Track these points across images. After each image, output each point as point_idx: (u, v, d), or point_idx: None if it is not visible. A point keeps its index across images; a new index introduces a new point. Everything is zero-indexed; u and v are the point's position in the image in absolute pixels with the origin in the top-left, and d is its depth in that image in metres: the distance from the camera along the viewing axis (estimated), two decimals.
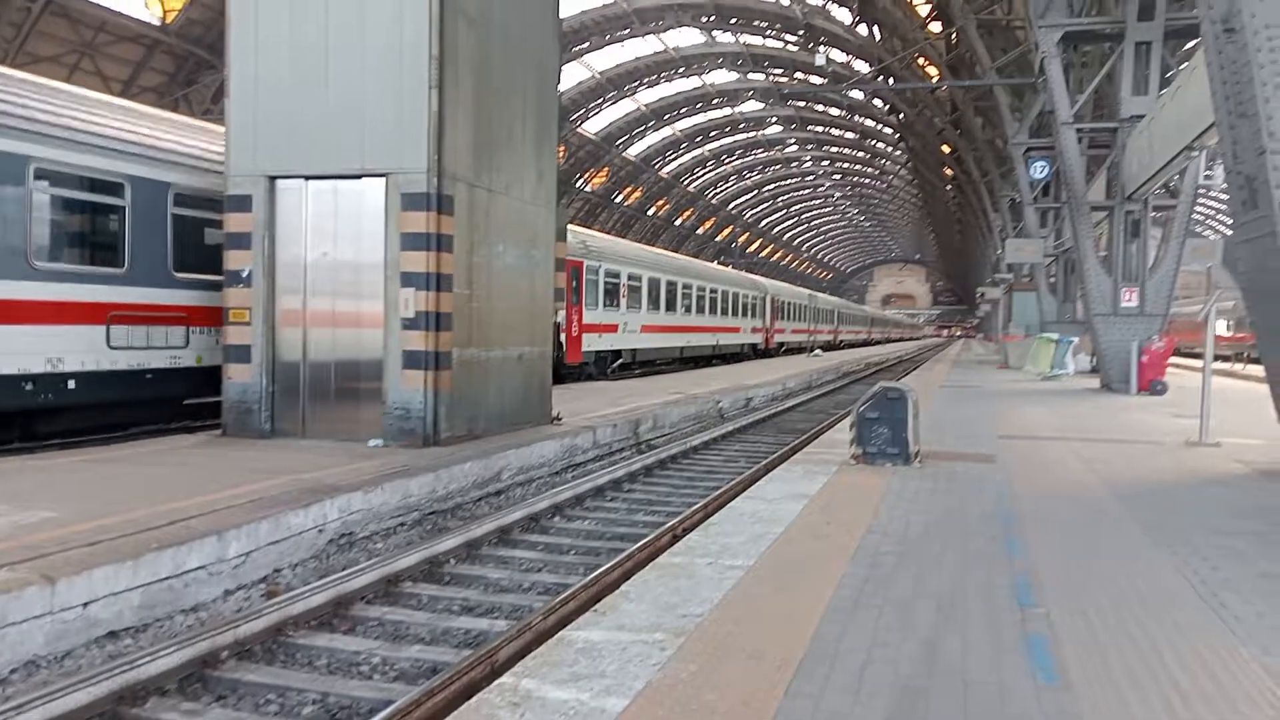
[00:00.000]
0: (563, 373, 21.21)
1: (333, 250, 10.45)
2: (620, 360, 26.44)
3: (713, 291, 34.92)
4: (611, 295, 25.40)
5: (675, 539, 7.17)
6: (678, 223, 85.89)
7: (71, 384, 10.34)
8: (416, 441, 10.03)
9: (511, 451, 10.17)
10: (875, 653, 3.87)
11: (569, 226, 25.57)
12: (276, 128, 10.39)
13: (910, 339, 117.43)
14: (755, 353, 41.57)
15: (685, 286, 31.68)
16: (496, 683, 3.54)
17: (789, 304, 48.58)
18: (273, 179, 10.51)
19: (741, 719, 3.20)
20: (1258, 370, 32.42)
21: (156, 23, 35.16)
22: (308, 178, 10.44)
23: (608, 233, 51.09)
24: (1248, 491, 7.92)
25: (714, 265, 43.64)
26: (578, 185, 65.29)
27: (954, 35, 34.23)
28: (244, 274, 10.56)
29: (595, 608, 4.44)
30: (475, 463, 9.41)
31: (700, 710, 3.26)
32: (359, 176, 10.24)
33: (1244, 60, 8.12)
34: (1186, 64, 16.06)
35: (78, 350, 10.39)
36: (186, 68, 37.31)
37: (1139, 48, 18.72)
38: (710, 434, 14.58)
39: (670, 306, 30.06)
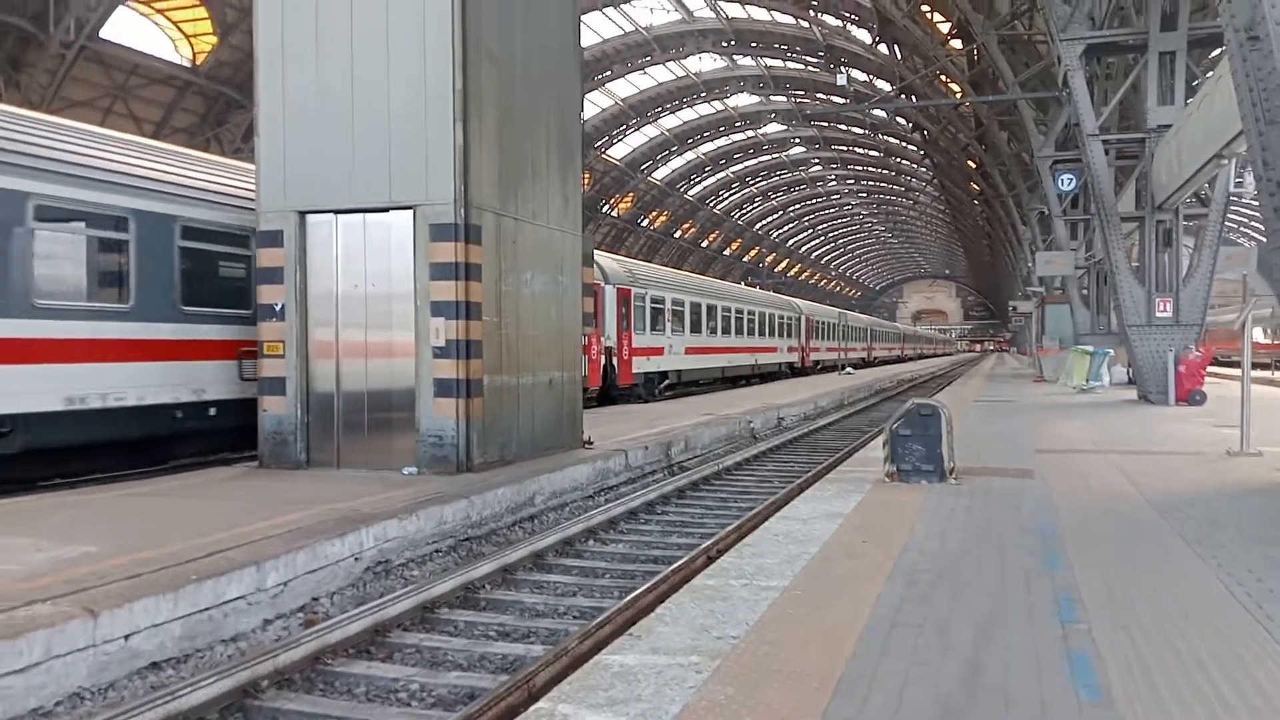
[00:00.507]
0: (614, 394, 22.99)
1: (363, 282, 10.57)
2: (667, 381, 27.54)
3: (750, 314, 36.04)
4: (657, 320, 26.55)
5: (709, 561, 7.16)
6: (704, 245, 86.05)
7: (212, 411, 11.72)
8: (450, 468, 10.08)
9: (544, 476, 10.20)
10: (914, 672, 3.84)
11: (616, 256, 28.55)
12: (305, 164, 10.56)
13: (943, 354, 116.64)
14: (792, 371, 42.43)
15: (725, 309, 32.88)
16: (534, 708, 3.55)
17: (823, 323, 49.71)
18: (303, 214, 10.66)
19: None
20: None
21: (187, 64, 35.93)
22: (337, 212, 10.58)
23: (634, 257, 51.60)
24: None
25: (751, 289, 45.03)
26: (604, 210, 65.63)
27: (975, 52, 34.18)
28: (277, 308, 10.70)
29: (630, 631, 4.43)
30: (508, 488, 9.44)
31: None
32: (387, 209, 10.37)
33: (1270, 67, 8.06)
34: (1212, 72, 15.96)
35: (219, 381, 11.77)
36: (217, 108, 38.05)
37: (1163, 58, 18.63)
38: (743, 454, 14.54)
39: (711, 329, 31.35)
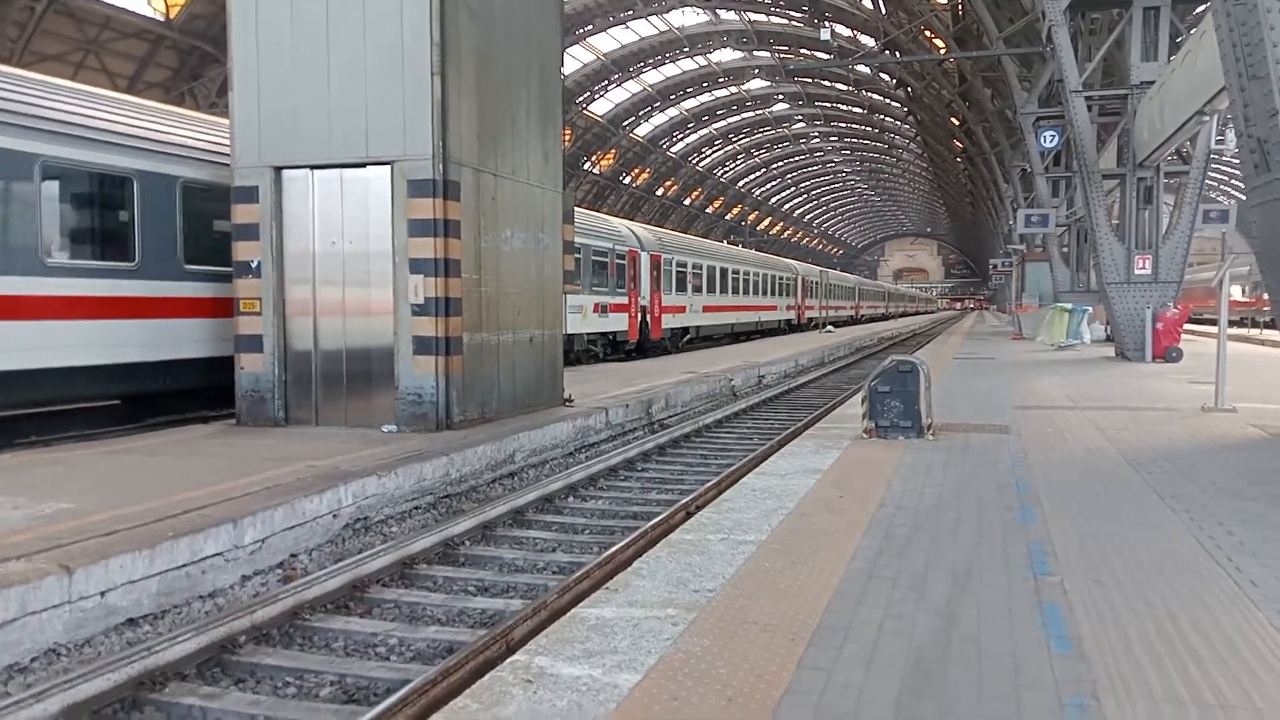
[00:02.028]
0: (646, 347, 26.40)
1: (340, 239, 10.46)
2: (688, 336, 30.77)
3: (756, 275, 39.59)
4: (682, 282, 29.87)
5: (688, 516, 7.19)
6: (686, 202, 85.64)
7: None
8: (429, 426, 10.06)
9: (524, 434, 10.20)
10: (888, 624, 3.87)
11: (647, 226, 32.73)
12: (280, 119, 10.40)
13: (924, 312, 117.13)
14: (789, 327, 45.53)
15: (734, 272, 36.26)
16: (509, 660, 3.56)
17: (816, 283, 52.83)
18: (278, 170, 10.51)
19: (754, 692, 3.21)
20: (1274, 335, 32.22)
21: (160, 18, 35.20)
22: (313, 167, 10.44)
23: (616, 214, 51.88)
24: (1264, 456, 7.87)
25: (756, 253, 47.60)
26: (585, 167, 65.14)
27: (960, 6, 33.93)
28: (253, 264, 10.59)
29: (608, 585, 4.45)
30: (488, 445, 9.44)
31: (712, 683, 3.27)
32: (364, 165, 10.24)
33: (1254, 22, 8.03)
34: (1196, 28, 15.89)
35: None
36: (191, 62, 37.37)
37: (1147, 13, 18.54)
38: (723, 412, 14.58)
39: (724, 290, 34.75)
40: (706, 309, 32.43)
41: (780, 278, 44.36)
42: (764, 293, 41.02)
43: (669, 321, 28.33)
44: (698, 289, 31.52)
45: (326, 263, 10.52)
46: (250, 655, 5.01)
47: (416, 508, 8.19)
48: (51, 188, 9.92)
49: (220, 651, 4.95)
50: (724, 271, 34.70)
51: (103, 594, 5.22)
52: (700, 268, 31.87)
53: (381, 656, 5.15)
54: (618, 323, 24.65)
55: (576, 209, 30.36)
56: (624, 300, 25.02)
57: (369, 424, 10.31)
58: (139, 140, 10.85)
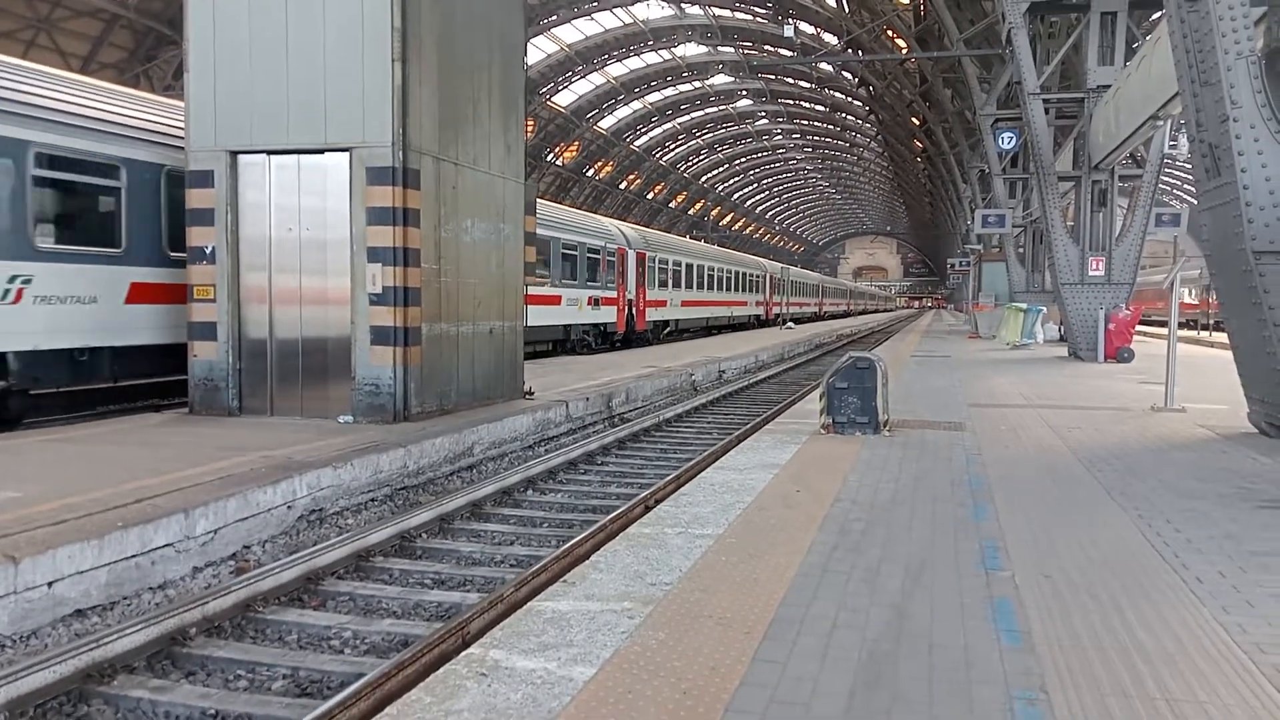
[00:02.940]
0: (632, 338, 28.21)
1: (298, 225, 10.33)
2: (668, 329, 33.05)
3: (727, 272, 41.57)
4: (664, 278, 31.85)
5: (647, 510, 7.20)
6: (650, 196, 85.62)
7: None
8: (386, 417, 9.98)
9: (483, 426, 10.15)
10: (842, 618, 3.90)
11: (633, 225, 35.28)
12: (237, 102, 10.24)
13: (883, 310, 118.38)
14: (758, 322, 47.65)
15: (710, 269, 38.19)
16: (464, 653, 3.54)
17: (782, 281, 55.18)
18: (234, 154, 10.36)
19: (709, 684, 3.22)
20: (1223, 337, 32.88)
21: None
22: (270, 152, 10.30)
23: (579, 207, 52.62)
24: (1211, 455, 8.03)
25: (729, 251, 50.00)
26: (548, 159, 64.88)
27: (922, 7, 34.22)
28: (207, 250, 10.42)
29: (565, 578, 4.44)
30: (446, 437, 9.38)
31: (667, 676, 3.27)
32: (322, 151, 10.11)
33: (1206, 29, 8.18)
34: (1151, 34, 16.16)
35: None
36: (147, 43, 36.69)
37: (1105, 18, 18.79)
38: (683, 406, 14.61)
39: (700, 286, 36.69)
40: (685, 303, 34.46)
41: (751, 275, 46.48)
42: (736, 289, 43.05)
43: (652, 315, 30.37)
44: (677, 285, 33.47)
45: (283, 249, 10.38)
46: (201, 648, 4.94)
47: (373, 499, 8.12)
48: None
49: (170, 644, 4.89)
50: (701, 269, 36.59)
51: (50, 585, 5.13)
52: (680, 265, 33.75)
53: (335, 650, 5.10)
54: (608, 315, 26.44)
55: (573, 209, 33.21)
56: (613, 294, 26.85)
57: (325, 414, 10.20)
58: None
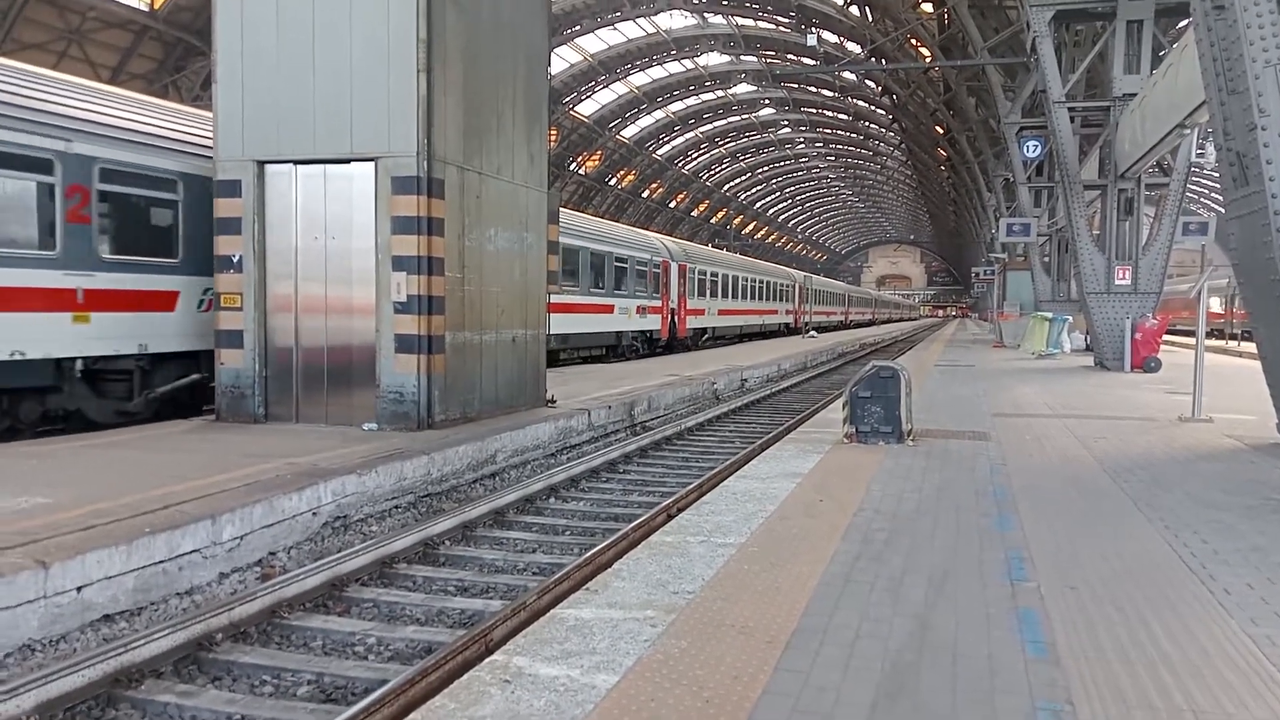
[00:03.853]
0: (674, 345, 30.18)
1: (323, 235, 10.43)
2: (706, 336, 34.62)
3: (760, 283, 43.29)
4: (702, 288, 33.74)
5: (669, 518, 7.20)
6: (672, 205, 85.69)
7: None
8: (410, 425, 10.04)
9: (506, 434, 10.19)
10: (865, 628, 3.89)
11: (675, 239, 38.57)
12: (265, 113, 10.36)
13: (906, 319, 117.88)
14: (787, 330, 49.06)
15: (743, 279, 39.95)
16: (487, 660, 3.56)
17: (813, 290, 57.64)
18: (261, 164, 10.47)
19: (730, 693, 3.22)
20: (1251, 347, 32.47)
21: (145, 9, 34.92)
22: (297, 162, 10.40)
23: (601, 216, 53.25)
24: (1239, 466, 7.95)
25: (761, 262, 51.97)
26: (571, 168, 65.08)
27: (946, 15, 34.08)
28: (235, 259, 10.54)
29: (587, 586, 4.45)
30: (469, 445, 9.42)
31: (689, 685, 3.28)
32: (348, 161, 10.21)
33: (1234, 37, 8.12)
34: (1178, 42, 16.04)
35: None
36: (175, 54, 37.09)
37: (1130, 26, 18.70)
38: (705, 415, 14.60)
39: (735, 295, 38.58)
40: (721, 312, 36.41)
41: (781, 285, 48.27)
42: (768, 298, 44.80)
43: (692, 322, 32.42)
44: (715, 294, 35.39)
45: (309, 259, 10.48)
46: (227, 653, 4.99)
47: (396, 507, 8.17)
48: None
49: (197, 649, 4.93)
50: (736, 279, 38.55)
51: (79, 589, 5.19)
52: (717, 275, 35.75)
53: (360, 656, 5.14)
54: (654, 323, 28.49)
55: (624, 226, 34.93)
56: (658, 304, 28.95)
57: (349, 422, 10.27)
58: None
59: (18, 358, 9.52)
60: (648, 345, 28.34)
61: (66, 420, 10.50)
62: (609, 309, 24.89)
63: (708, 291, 34.41)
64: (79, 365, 10.27)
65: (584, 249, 23.34)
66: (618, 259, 25.47)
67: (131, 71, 36.07)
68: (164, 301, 10.73)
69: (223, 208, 10.58)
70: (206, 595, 5.97)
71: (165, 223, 11.22)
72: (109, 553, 5.39)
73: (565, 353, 23.01)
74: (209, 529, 6.13)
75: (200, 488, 6.90)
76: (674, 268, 30.41)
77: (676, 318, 30.52)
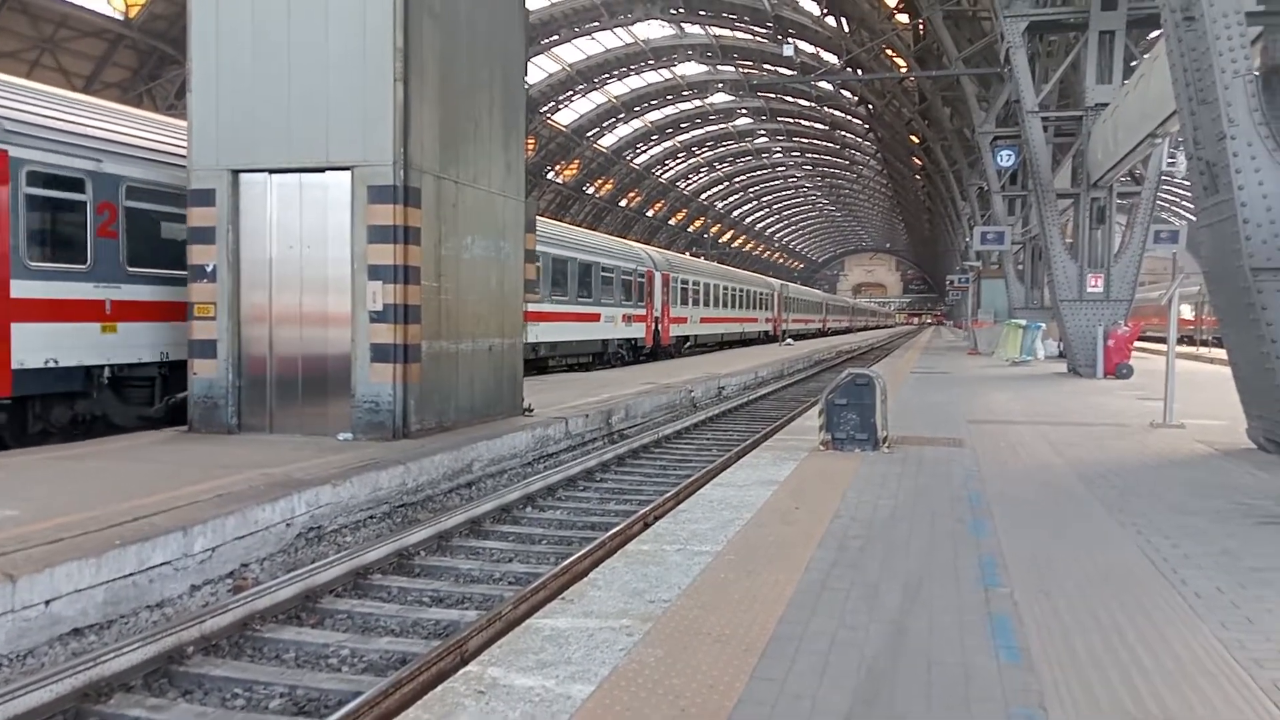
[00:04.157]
0: (658, 352, 30.98)
1: (298, 244, 10.36)
2: (689, 344, 35.65)
3: (740, 291, 44.19)
4: (685, 297, 34.59)
5: (646, 526, 7.19)
6: (650, 214, 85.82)
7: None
8: (386, 434, 9.98)
9: (482, 443, 10.15)
10: (841, 635, 3.89)
11: (659, 249, 39.63)
12: (239, 121, 10.29)
13: (883, 327, 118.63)
14: (766, 338, 49.82)
15: (724, 288, 40.92)
16: (462, 671, 3.53)
17: (791, 299, 58.77)
18: (236, 173, 10.40)
19: (707, 702, 3.21)
20: (1222, 353, 32.89)
21: (120, 18, 34.69)
22: (272, 171, 10.34)
23: (579, 225, 53.37)
24: (1210, 471, 8.03)
25: (741, 271, 52.87)
26: (549, 177, 65.08)
27: (921, 26, 34.38)
28: (208, 268, 10.45)
29: (563, 595, 4.44)
30: (446, 455, 9.38)
31: (665, 694, 3.27)
32: (324, 170, 10.16)
33: (1203, 48, 8.23)
34: (1149, 53, 16.24)
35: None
36: (150, 63, 36.86)
37: (1103, 37, 18.90)
38: (682, 423, 14.60)
39: (717, 303, 39.36)
40: (703, 320, 37.30)
41: (760, 293, 49.08)
42: (748, 306, 45.71)
43: (675, 330, 33.31)
44: (697, 303, 36.25)
45: (284, 268, 10.41)
46: (198, 666, 4.93)
47: (371, 517, 8.11)
48: None
49: (168, 662, 4.87)
50: (717, 288, 39.53)
51: (47, 603, 5.12)
52: (699, 284, 36.64)
53: (333, 668, 5.09)
54: (638, 331, 29.31)
55: (610, 236, 36.17)
56: (643, 312, 29.73)
57: (325, 432, 10.20)
58: None
59: (51, 365, 10.02)
60: (633, 353, 29.04)
61: (92, 425, 10.84)
62: (596, 318, 25.59)
63: (690, 300, 35.19)
64: (106, 372, 10.74)
65: (572, 259, 24.02)
66: (604, 269, 26.21)
67: (106, 80, 35.81)
68: (184, 312, 10.86)
69: (196, 217, 10.49)
70: (177, 608, 5.91)
71: (185, 237, 11.29)
72: (78, 566, 5.32)
73: (554, 360, 23.62)
74: (180, 541, 6.06)
75: (171, 499, 6.83)
76: (658, 277, 31.21)
77: (660, 326, 31.41)
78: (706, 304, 37.68)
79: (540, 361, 22.60)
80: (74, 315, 10.25)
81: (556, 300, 22.86)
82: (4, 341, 9.49)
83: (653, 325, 30.66)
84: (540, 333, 21.84)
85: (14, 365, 9.60)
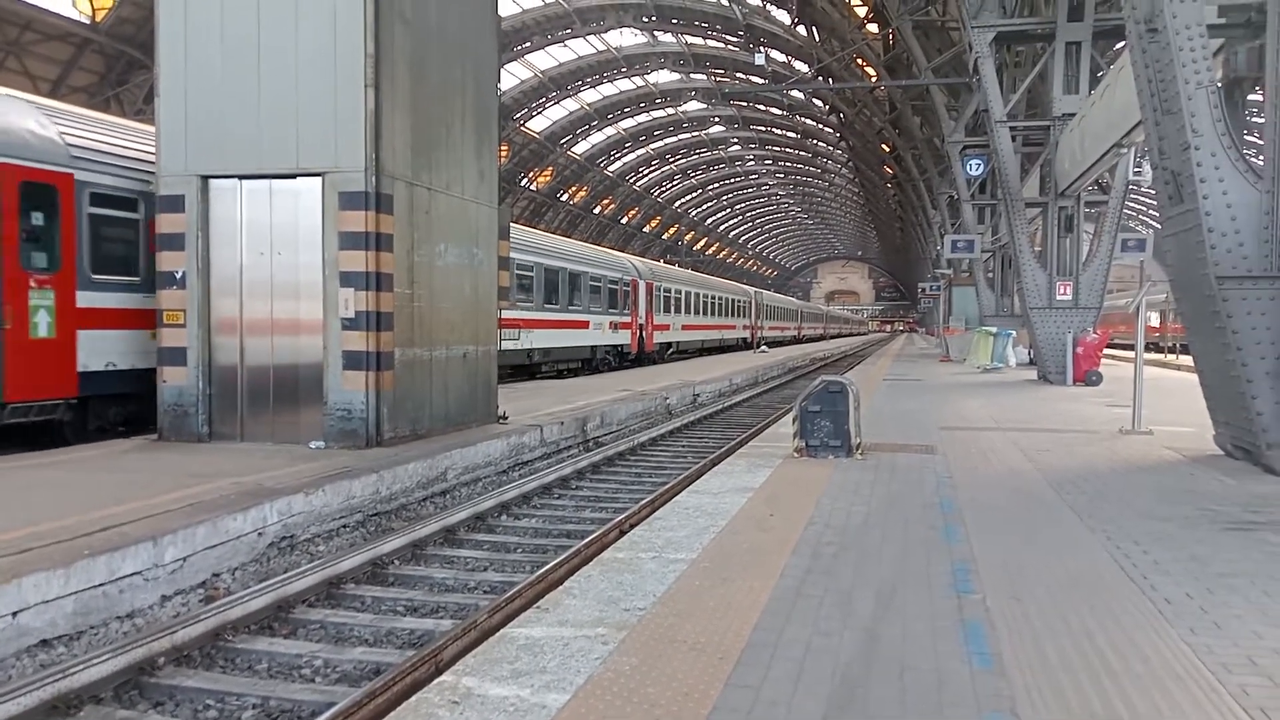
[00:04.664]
0: (642, 358, 31.99)
1: (269, 250, 10.29)
2: (671, 349, 36.74)
3: (720, 299, 45.62)
4: (667, 305, 35.87)
5: (621, 534, 7.19)
6: (624, 221, 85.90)
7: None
8: (359, 443, 9.92)
9: (456, 451, 10.11)
10: (816, 642, 3.91)
11: (643, 259, 40.59)
12: (208, 126, 10.21)
13: (856, 334, 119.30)
14: (744, 344, 50.91)
15: (704, 296, 42.10)
16: (436, 681, 3.52)
17: (768, 306, 60.09)
18: (205, 179, 10.32)
19: (682, 711, 3.22)
20: (1188, 359, 33.31)
21: (86, 21, 34.30)
22: (242, 177, 10.27)
23: (553, 232, 53.54)
24: (1178, 477, 8.14)
25: (721, 279, 54.63)
26: (522, 184, 65.00)
27: (891, 36, 34.68)
28: (178, 275, 10.36)
29: (538, 604, 4.43)
30: (419, 463, 9.33)
31: (641, 703, 3.27)
32: (294, 176, 10.10)
33: (1167, 59, 8.36)
34: (1115, 64, 16.47)
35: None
36: (118, 67, 36.47)
37: (1069, 48, 19.14)
38: (658, 430, 14.62)
39: (697, 311, 40.76)
40: (685, 327, 38.65)
41: (738, 301, 50.63)
42: (726, 314, 47.10)
43: (659, 337, 34.53)
44: (679, 311, 37.58)
45: (254, 275, 10.34)
46: (170, 677, 4.88)
47: (345, 526, 8.06)
48: None
49: (138, 673, 4.82)
50: (697, 296, 40.91)
51: (14, 614, 5.04)
52: (681, 293, 37.97)
53: (306, 678, 5.05)
54: (624, 337, 30.39)
55: (600, 248, 37.60)
56: (628, 319, 30.80)
57: (296, 440, 10.12)
58: None
59: (110, 368, 10.88)
60: (619, 359, 30.12)
61: (142, 424, 11.40)
62: (585, 325, 26.80)
63: (673, 308, 36.53)
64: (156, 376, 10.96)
65: (563, 269, 25.11)
66: (593, 278, 27.43)
67: (72, 85, 35.40)
68: None
69: (165, 223, 10.40)
70: (148, 618, 5.84)
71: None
72: (46, 576, 5.24)
73: (546, 366, 24.50)
74: (150, 551, 5.99)
75: (141, 509, 6.75)
76: (642, 286, 32.44)
77: (645, 333, 32.62)
78: (688, 312, 38.94)
79: (533, 367, 23.51)
80: (130, 323, 11.08)
81: (548, 309, 23.88)
82: (70, 348, 10.38)
83: (637, 332, 31.74)
84: (534, 339, 22.94)
85: (79, 368, 10.50)
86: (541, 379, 22.97)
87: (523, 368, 22.93)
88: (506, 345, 20.88)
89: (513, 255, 20.94)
